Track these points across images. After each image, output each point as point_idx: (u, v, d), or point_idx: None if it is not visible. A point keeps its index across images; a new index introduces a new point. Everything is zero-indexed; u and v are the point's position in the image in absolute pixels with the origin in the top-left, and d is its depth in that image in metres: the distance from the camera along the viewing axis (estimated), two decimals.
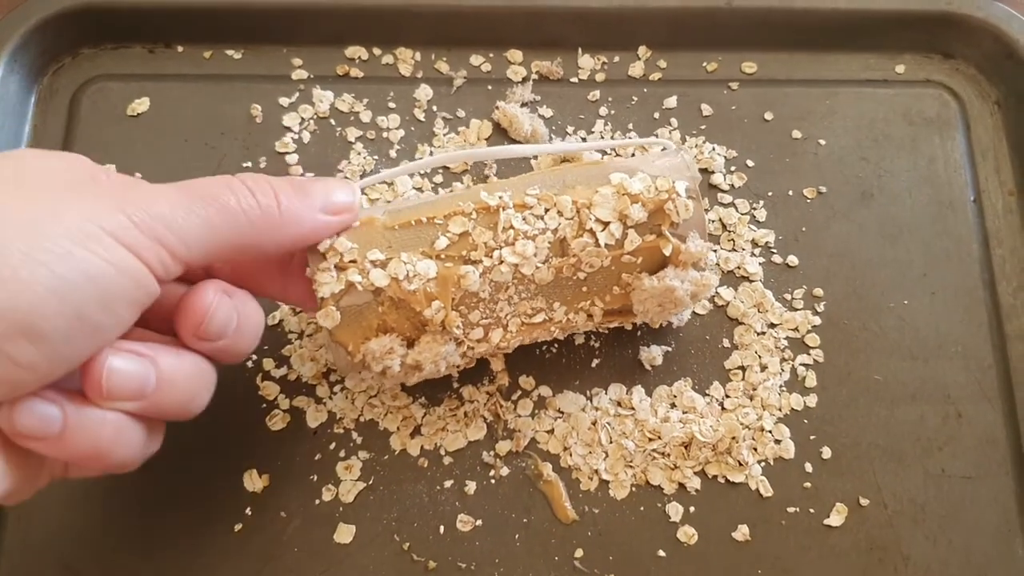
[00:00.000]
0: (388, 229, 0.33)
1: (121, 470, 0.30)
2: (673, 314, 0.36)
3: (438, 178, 0.43)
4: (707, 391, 0.39)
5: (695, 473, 0.37)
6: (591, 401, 0.39)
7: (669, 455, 0.38)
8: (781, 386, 0.39)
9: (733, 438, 0.38)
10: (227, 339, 0.30)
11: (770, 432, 0.38)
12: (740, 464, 0.37)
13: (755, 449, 0.38)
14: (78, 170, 0.29)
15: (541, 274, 0.34)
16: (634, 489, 0.37)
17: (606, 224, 0.34)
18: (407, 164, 0.37)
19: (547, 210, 0.34)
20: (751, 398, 0.39)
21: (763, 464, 0.38)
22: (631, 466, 0.38)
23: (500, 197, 0.34)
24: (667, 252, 0.34)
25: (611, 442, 0.38)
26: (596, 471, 0.37)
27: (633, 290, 0.35)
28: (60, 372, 0.26)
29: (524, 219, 0.34)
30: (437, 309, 0.33)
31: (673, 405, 0.39)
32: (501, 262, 0.33)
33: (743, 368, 0.39)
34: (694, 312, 0.40)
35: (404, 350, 0.33)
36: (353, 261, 0.33)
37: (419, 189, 0.42)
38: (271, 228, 0.30)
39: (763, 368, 0.39)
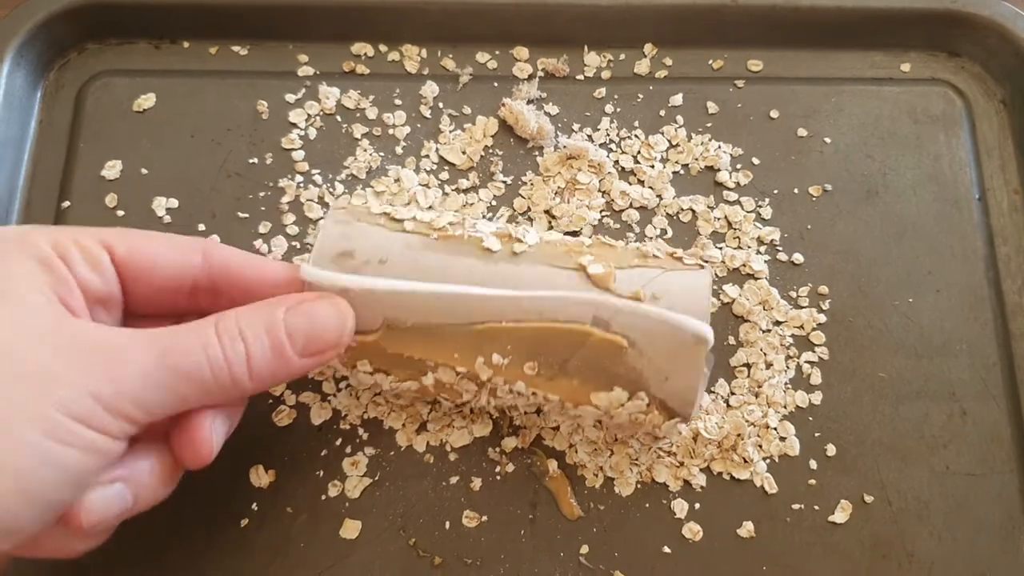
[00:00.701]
0: (380, 350, 0.34)
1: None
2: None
3: (444, 174, 0.43)
4: (712, 388, 0.39)
5: (701, 471, 0.38)
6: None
7: (675, 453, 0.38)
8: (786, 383, 0.39)
9: (739, 435, 0.38)
10: (124, 516, 0.30)
11: (775, 429, 0.38)
12: (745, 461, 0.38)
13: (760, 446, 0.38)
14: (35, 297, 0.27)
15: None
16: (639, 486, 0.37)
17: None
18: (408, 284, 0.33)
19: (534, 394, 0.34)
20: (756, 395, 0.39)
21: (768, 461, 0.38)
22: (636, 463, 0.38)
23: (494, 366, 0.33)
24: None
25: (616, 440, 0.38)
26: (601, 468, 0.38)
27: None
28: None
29: (511, 390, 0.34)
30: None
31: None
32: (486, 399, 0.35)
33: (748, 365, 0.39)
34: None
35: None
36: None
37: (425, 185, 0.42)
38: (240, 390, 0.30)
39: (768, 365, 0.39)
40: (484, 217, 0.42)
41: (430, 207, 0.42)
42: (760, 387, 0.39)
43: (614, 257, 0.35)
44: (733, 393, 0.39)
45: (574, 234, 0.41)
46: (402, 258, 0.33)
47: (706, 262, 0.35)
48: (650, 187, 0.43)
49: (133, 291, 0.31)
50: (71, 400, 0.26)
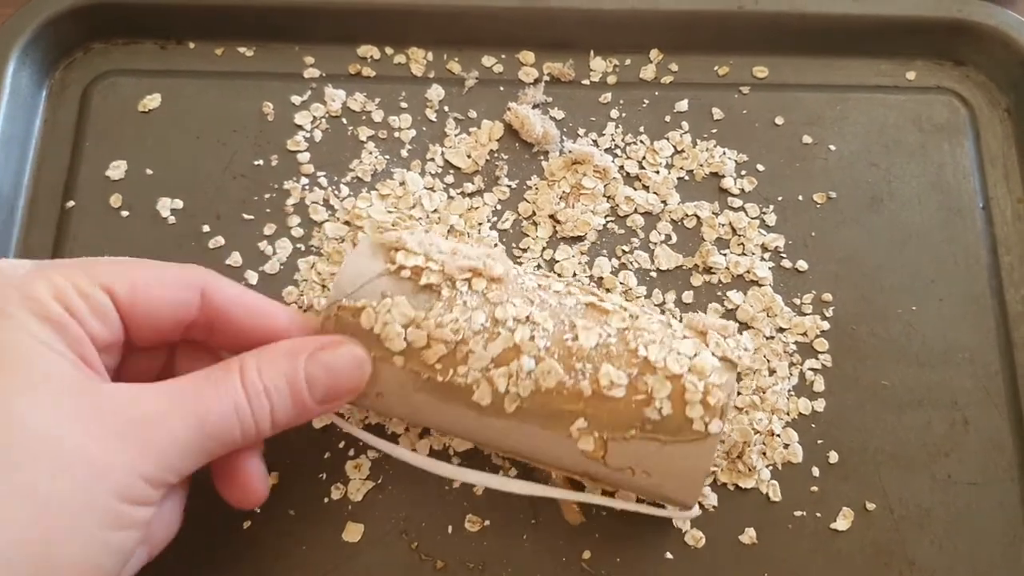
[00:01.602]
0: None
1: None
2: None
3: (449, 178, 0.43)
4: None
5: (708, 487, 0.38)
6: None
7: None
8: (789, 390, 0.39)
9: (745, 443, 0.38)
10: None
11: (778, 436, 0.38)
12: (750, 470, 0.38)
13: (764, 454, 0.38)
14: (60, 367, 0.27)
15: None
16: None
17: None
18: (407, 454, 0.36)
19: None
20: (760, 402, 0.39)
21: (771, 468, 0.38)
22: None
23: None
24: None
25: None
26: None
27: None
28: None
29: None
30: None
31: None
32: None
33: (752, 371, 0.39)
34: None
35: None
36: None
37: (430, 189, 0.42)
38: (259, 439, 0.31)
39: (771, 372, 0.39)
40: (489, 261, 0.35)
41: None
42: (764, 394, 0.39)
43: (611, 419, 0.32)
44: (738, 393, 0.39)
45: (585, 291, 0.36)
46: (397, 397, 0.33)
47: (712, 432, 0.32)
48: (655, 193, 0.43)
49: (132, 331, 0.31)
50: (125, 486, 0.26)
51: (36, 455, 0.25)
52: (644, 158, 0.44)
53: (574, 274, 0.41)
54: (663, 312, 0.40)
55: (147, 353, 0.33)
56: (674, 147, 0.44)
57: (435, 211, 0.42)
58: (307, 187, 0.43)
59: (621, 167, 0.43)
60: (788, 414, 0.39)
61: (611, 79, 0.46)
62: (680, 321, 0.35)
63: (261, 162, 0.43)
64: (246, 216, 0.42)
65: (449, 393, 0.33)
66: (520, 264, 0.41)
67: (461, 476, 0.35)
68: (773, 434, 0.38)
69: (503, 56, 0.46)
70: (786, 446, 0.38)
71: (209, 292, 0.32)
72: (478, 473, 0.35)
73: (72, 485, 0.25)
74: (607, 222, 0.42)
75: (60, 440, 0.26)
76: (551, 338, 0.32)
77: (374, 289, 0.33)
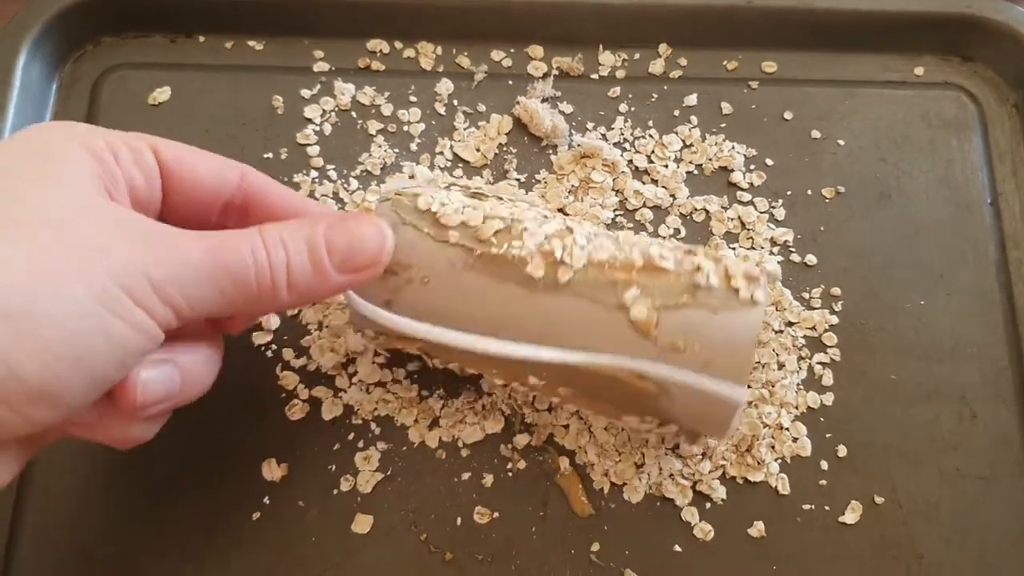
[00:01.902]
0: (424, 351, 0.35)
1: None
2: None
3: (458, 171, 0.43)
4: None
5: (718, 480, 0.38)
6: None
7: (690, 463, 0.38)
8: (798, 384, 0.39)
9: (754, 436, 0.38)
10: (171, 402, 0.30)
11: (787, 430, 0.38)
12: (759, 463, 0.38)
13: (773, 447, 0.38)
14: (85, 183, 0.27)
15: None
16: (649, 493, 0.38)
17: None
18: (449, 335, 0.33)
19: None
20: (769, 395, 0.39)
21: (780, 462, 0.38)
22: (645, 473, 0.38)
23: (530, 385, 0.34)
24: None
25: (628, 441, 0.38)
26: (607, 472, 0.38)
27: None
28: (71, 414, 0.27)
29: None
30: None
31: None
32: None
33: (761, 365, 0.40)
34: None
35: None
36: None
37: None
38: (276, 299, 0.30)
39: (780, 366, 0.40)
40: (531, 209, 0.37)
41: (477, 193, 0.37)
42: (773, 387, 0.39)
43: (663, 288, 0.32)
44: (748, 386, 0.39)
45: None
46: (444, 280, 0.33)
47: (758, 300, 0.32)
48: (664, 187, 0.43)
49: (171, 198, 0.31)
50: (124, 273, 0.26)
51: (37, 224, 0.25)
52: (653, 152, 0.44)
53: None
54: None
55: None
56: (683, 141, 0.44)
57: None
58: (317, 180, 0.43)
59: (630, 161, 0.43)
60: (797, 408, 0.39)
61: (620, 73, 0.46)
62: None
63: (271, 155, 0.43)
64: None
65: (502, 267, 0.32)
66: None
67: (495, 348, 0.33)
68: (782, 427, 0.38)
69: (512, 50, 0.46)
70: (795, 439, 0.38)
71: (249, 176, 0.33)
72: (509, 344, 0.33)
73: (67, 258, 0.25)
74: (616, 216, 0.42)
75: (61, 221, 0.25)
76: (597, 231, 0.34)
77: (429, 190, 0.34)
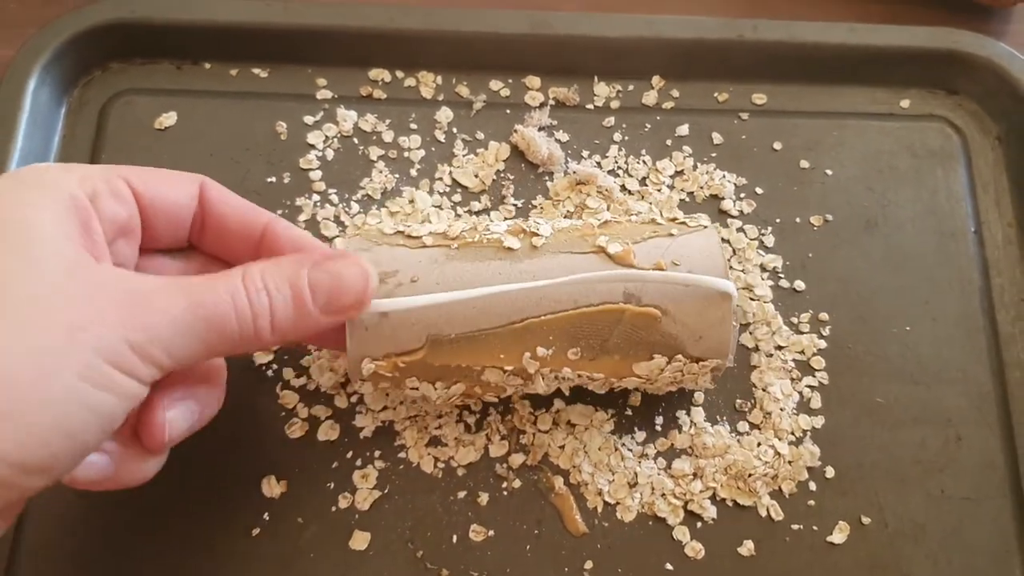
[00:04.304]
0: (426, 365, 0.35)
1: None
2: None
3: (456, 196, 0.44)
4: (717, 418, 0.40)
5: (709, 500, 0.38)
6: (604, 412, 0.40)
7: (681, 483, 0.39)
8: (792, 409, 0.40)
9: (750, 474, 0.39)
10: (191, 432, 0.32)
11: (783, 455, 0.39)
12: (750, 491, 0.38)
13: (768, 482, 0.39)
14: (61, 245, 0.27)
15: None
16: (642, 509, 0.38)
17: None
18: (446, 295, 0.34)
19: (579, 375, 0.36)
20: (761, 423, 0.40)
21: (771, 492, 0.39)
22: (638, 492, 0.38)
23: (539, 358, 0.35)
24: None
25: (623, 460, 0.39)
26: (600, 492, 0.38)
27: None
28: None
29: (556, 376, 0.36)
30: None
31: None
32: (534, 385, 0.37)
33: (754, 387, 0.40)
34: None
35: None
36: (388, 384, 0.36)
37: (438, 207, 0.44)
38: (260, 342, 0.30)
39: (776, 400, 0.40)
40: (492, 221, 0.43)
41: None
42: (769, 417, 0.40)
43: (627, 233, 0.36)
44: (740, 412, 0.40)
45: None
46: (431, 274, 0.34)
47: (705, 225, 0.37)
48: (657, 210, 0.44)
49: (147, 222, 0.32)
50: (106, 346, 0.26)
51: (16, 304, 0.25)
52: (647, 178, 0.45)
53: None
54: None
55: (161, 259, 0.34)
56: (676, 169, 0.45)
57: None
58: (319, 204, 0.44)
59: (624, 187, 0.44)
60: (792, 433, 0.40)
61: (614, 104, 0.47)
62: None
63: (274, 179, 0.44)
64: None
65: (481, 250, 0.35)
66: None
67: (503, 288, 0.34)
68: (778, 454, 0.39)
69: (510, 80, 0.47)
70: (790, 463, 0.39)
71: (205, 186, 0.33)
72: (517, 285, 0.34)
73: (50, 337, 0.25)
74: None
75: (41, 300, 0.26)
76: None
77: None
